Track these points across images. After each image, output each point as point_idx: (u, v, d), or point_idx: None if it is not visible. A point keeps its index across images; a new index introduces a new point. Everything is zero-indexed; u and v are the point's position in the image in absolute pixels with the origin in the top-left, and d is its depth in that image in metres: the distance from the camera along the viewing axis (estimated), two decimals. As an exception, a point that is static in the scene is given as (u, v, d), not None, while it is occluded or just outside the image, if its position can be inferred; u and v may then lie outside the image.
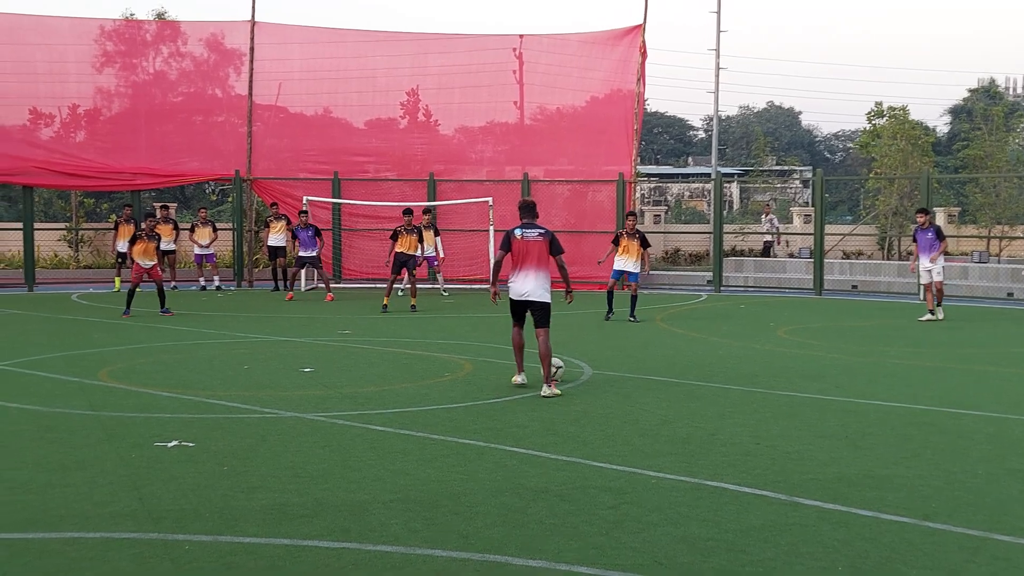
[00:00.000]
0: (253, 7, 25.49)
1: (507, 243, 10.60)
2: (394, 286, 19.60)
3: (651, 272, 27.26)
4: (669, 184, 56.04)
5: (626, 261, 17.43)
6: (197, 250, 23.85)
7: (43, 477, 7.05)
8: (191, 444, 7.97)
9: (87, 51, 25.38)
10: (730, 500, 6.58)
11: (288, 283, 22.19)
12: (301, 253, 21.88)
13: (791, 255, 30.53)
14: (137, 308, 18.46)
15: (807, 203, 41.57)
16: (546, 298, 10.51)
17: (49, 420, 8.93)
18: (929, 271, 17.86)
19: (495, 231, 23.56)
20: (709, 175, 43.75)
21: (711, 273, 25.21)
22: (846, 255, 31.34)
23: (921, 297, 18.68)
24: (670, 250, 32.71)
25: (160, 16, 36.25)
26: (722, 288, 24.48)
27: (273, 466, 7.35)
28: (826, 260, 24.67)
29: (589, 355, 13.01)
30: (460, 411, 9.45)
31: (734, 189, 51.09)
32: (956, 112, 68.72)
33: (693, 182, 55.92)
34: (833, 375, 11.77)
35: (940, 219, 33.83)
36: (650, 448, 8.00)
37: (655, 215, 35.03)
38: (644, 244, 17.47)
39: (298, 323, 17.08)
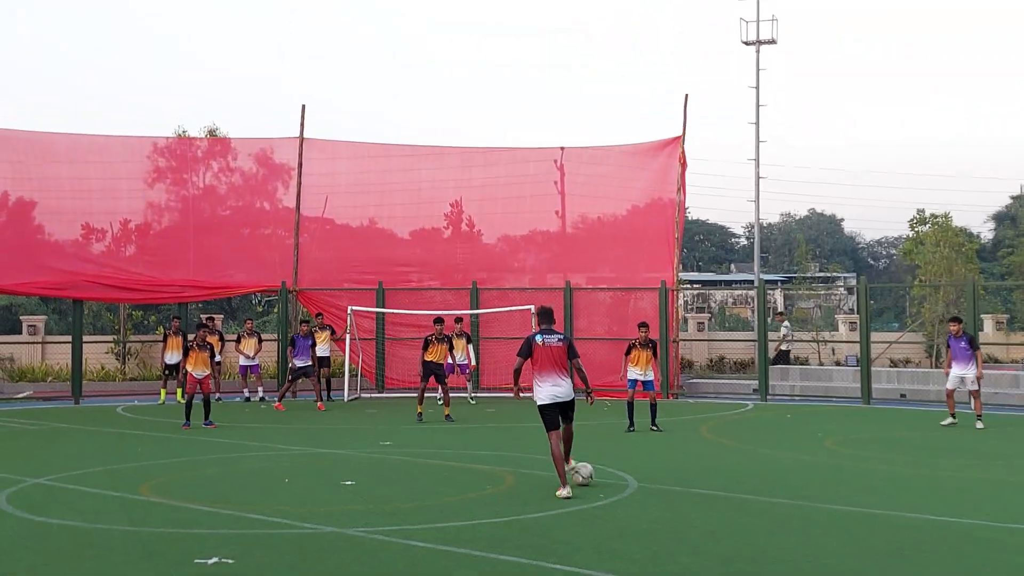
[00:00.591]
0: (302, 124, 26.19)
1: (528, 349, 11.24)
2: (427, 395, 19.51)
3: (695, 380, 27.12)
4: (712, 291, 55.96)
5: (638, 370, 17.33)
6: (243, 361, 24.02)
7: (82, 595, 6.99)
8: (230, 561, 7.89)
9: (139, 168, 26.08)
10: (781, 622, 6.36)
11: (280, 395, 22.15)
12: (299, 363, 21.89)
13: (837, 363, 30.14)
14: (179, 419, 18.53)
15: (851, 310, 41.22)
16: (572, 396, 11.15)
17: (89, 537, 8.91)
18: (962, 378, 17.93)
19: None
20: (752, 282, 43.65)
21: (756, 381, 24.91)
22: (893, 363, 30.87)
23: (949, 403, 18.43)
24: (714, 358, 32.44)
25: (212, 133, 37.33)
26: (768, 397, 24.15)
27: (312, 584, 7.24)
28: (873, 368, 24.28)
29: (634, 467, 12.81)
30: (502, 526, 9.30)
31: (778, 296, 50.89)
32: (1000, 218, 68.39)
33: (736, 288, 55.79)
34: (884, 488, 11.48)
35: (988, 326, 33.40)
36: (698, 566, 7.79)
37: (698, 322, 34.84)
38: (655, 353, 17.48)
39: (340, 434, 17.04)
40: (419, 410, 18.70)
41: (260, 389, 23.97)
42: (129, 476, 12.33)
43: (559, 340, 11.21)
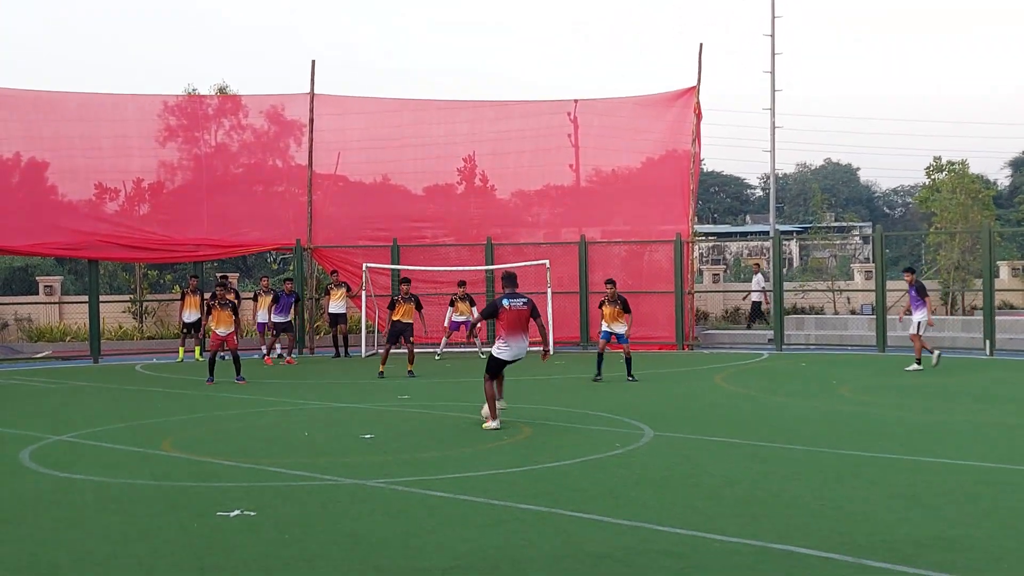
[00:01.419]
0: (312, 79, 26.09)
1: (494, 311, 12.23)
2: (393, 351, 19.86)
3: (710, 331, 27.12)
4: (727, 243, 55.78)
5: (612, 325, 17.64)
6: (260, 318, 24.15)
7: (106, 548, 7.12)
8: (252, 513, 8.01)
9: (151, 126, 26.10)
10: (796, 563, 6.44)
11: (267, 350, 22.66)
12: (278, 320, 22.48)
13: (852, 312, 30.10)
14: (198, 376, 18.74)
15: (867, 259, 41.07)
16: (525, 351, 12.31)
17: (113, 491, 9.05)
18: (917, 323, 19.09)
19: (552, 293, 23.59)
20: (767, 233, 43.47)
21: (772, 331, 24.94)
22: (909, 311, 30.79)
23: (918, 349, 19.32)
24: (730, 309, 32.43)
25: (222, 90, 37.21)
26: (783, 346, 24.18)
27: (334, 534, 7.36)
28: (888, 316, 24.26)
29: (649, 416, 12.90)
30: (520, 475, 9.40)
31: (793, 247, 50.71)
32: (1017, 165, 67.76)
33: (751, 240, 55.57)
34: (898, 433, 11.53)
35: (1004, 272, 33.26)
36: (713, 511, 7.87)
37: (714, 274, 34.80)
38: (625, 309, 17.60)
39: (358, 389, 17.19)
40: (381, 369, 18.86)
41: (278, 346, 24.13)
42: (150, 432, 12.49)
43: (523, 303, 12.13)
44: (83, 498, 8.78)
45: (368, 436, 11.80)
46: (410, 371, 18.95)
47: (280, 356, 22.99)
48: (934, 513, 7.71)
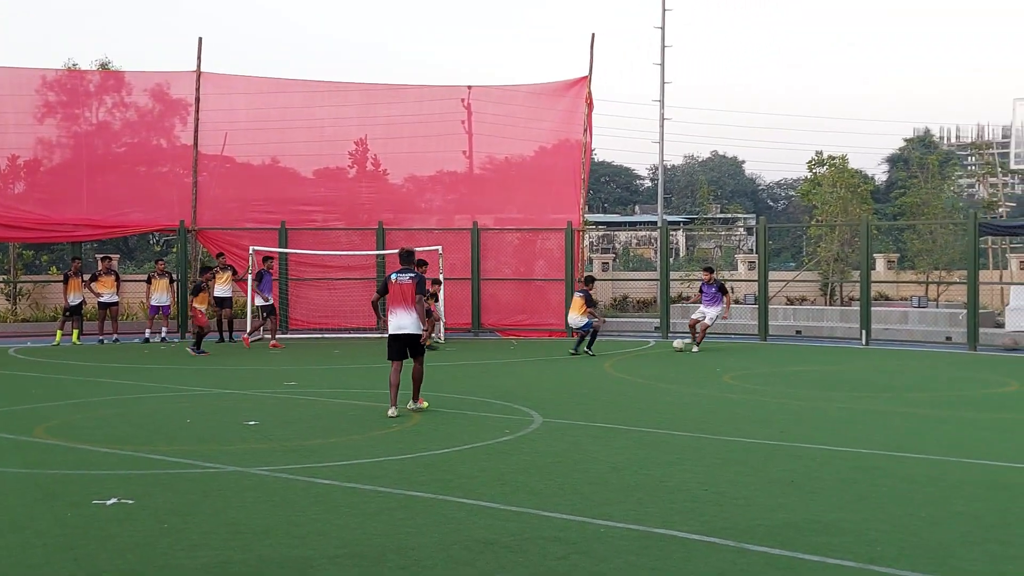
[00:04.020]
0: (199, 57, 25.40)
1: (384, 286, 12.58)
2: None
3: (604, 319, 27.47)
4: (617, 232, 56.50)
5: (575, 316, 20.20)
6: (154, 301, 23.45)
7: (-25, 538, 6.82)
8: (130, 501, 7.78)
9: (28, 101, 25.05)
10: (678, 548, 6.55)
11: (271, 332, 22.14)
12: (263, 302, 22.18)
13: (736, 301, 30.81)
14: (75, 361, 18.16)
15: (751, 250, 42.09)
16: (418, 331, 12.33)
17: (-17, 478, 8.68)
18: (704, 313, 21.08)
19: (445, 280, 23.52)
20: (655, 223, 44.18)
21: (658, 319, 25.36)
22: (790, 301, 31.71)
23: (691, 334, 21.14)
24: (618, 297, 32.88)
25: (104, 66, 35.99)
26: (669, 334, 24.61)
27: (215, 523, 7.19)
28: (770, 306, 24.92)
29: (539, 403, 12.97)
30: (408, 462, 9.35)
31: (680, 237, 51.64)
32: (893, 161, 70.36)
33: (640, 230, 56.41)
34: (779, 420, 11.84)
35: (880, 264, 34.50)
36: (599, 496, 7.96)
37: (603, 262, 35.22)
38: (590, 303, 20.28)
39: (243, 375, 16.85)
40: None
41: (164, 329, 23.51)
42: (23, 418, 12.02)
43: (410, 278, 12.34)
44: (-51, 487, 8.39)
45: (252, 423, 11.58)
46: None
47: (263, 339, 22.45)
48: (812, 498, 7.94)
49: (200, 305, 20.41)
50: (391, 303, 12.35)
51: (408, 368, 12.33)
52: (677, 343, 21.07)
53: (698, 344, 20.76)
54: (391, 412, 12.02)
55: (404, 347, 12.19)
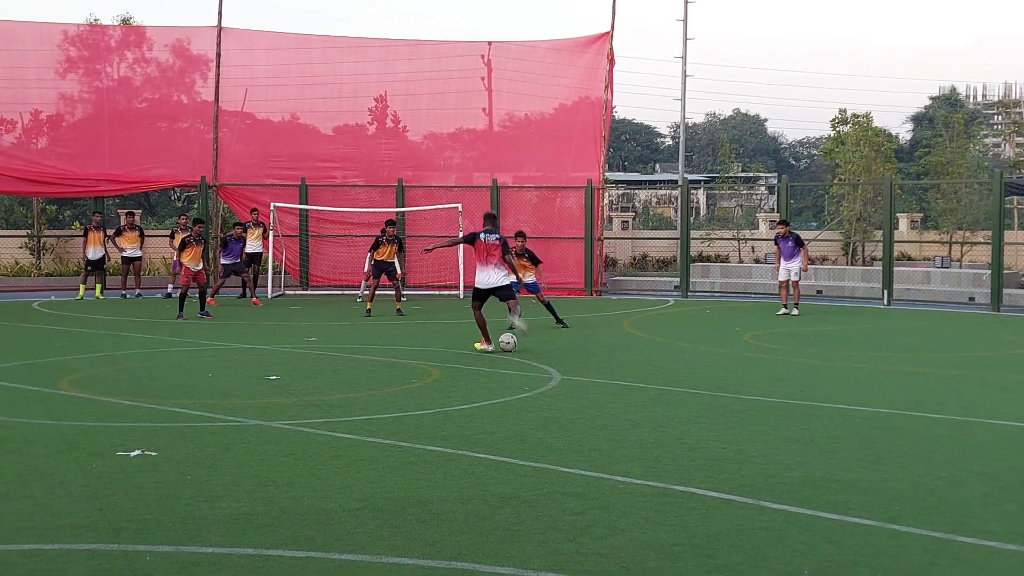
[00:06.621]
0: (220, 12, 25.34)
1: (472, 239, 14.06)
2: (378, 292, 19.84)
3: (619, 278, 27.42)
4: (636, 191, 56.25)
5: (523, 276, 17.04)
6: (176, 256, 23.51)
7: (0, 488, 6.93)
8: (154, 453, 7.87)
9: (50, 56, 25.11)
10: (697, 505, 6.58)
11: (213, 292, 21.81)
12: (225, 262, 21.67)
13: (757, 261, 30.70)
14: (98, 315, 18.32)
15: (772, 209, 41.84)
16: (506, 281, 13.96)
17: (8, 430, 8.79)
18: (788, 271, 19.82)
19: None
20: (676, 182, 43.93)
21: (678, 278, 25.31)
22: (811, 260, 31.53)
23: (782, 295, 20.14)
24: (638, 256, 32.81)
25: (125, 21, 35.93)
26: (689, 293, 24.58)
27: (237, 475, 7.27)
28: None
29: (557, 361, 13.00)
30: (428, 417, 9.41)
31: (701, 196, 51.37)
32: (918, 120, 69.61)
33: (660, 188, 56.13)
34: (798, 379, 11.84)
35: (903, 224, 34.23)
36: (617, 453, 7.99)
37: (623, 221, 35.12)
38: (533, 262, 17.80)
39: (264, 331, 16.96)
40: (368, 306, 18.98)
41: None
42: (48, 371, 12.15)
43: (496, 239, 13.85)
44: (-24, 438, 8.51)
45: (274, 377, 11.67)
46: (399, 309, 19.18)
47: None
48: (830, 457, 7.94)
49: (187, 262, 18.61)
50: (479, 259, 13.86)
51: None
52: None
53: (797, 305, 19.80)
54: (487, 347, 13.74)
55: (487, 296, 13.95)
